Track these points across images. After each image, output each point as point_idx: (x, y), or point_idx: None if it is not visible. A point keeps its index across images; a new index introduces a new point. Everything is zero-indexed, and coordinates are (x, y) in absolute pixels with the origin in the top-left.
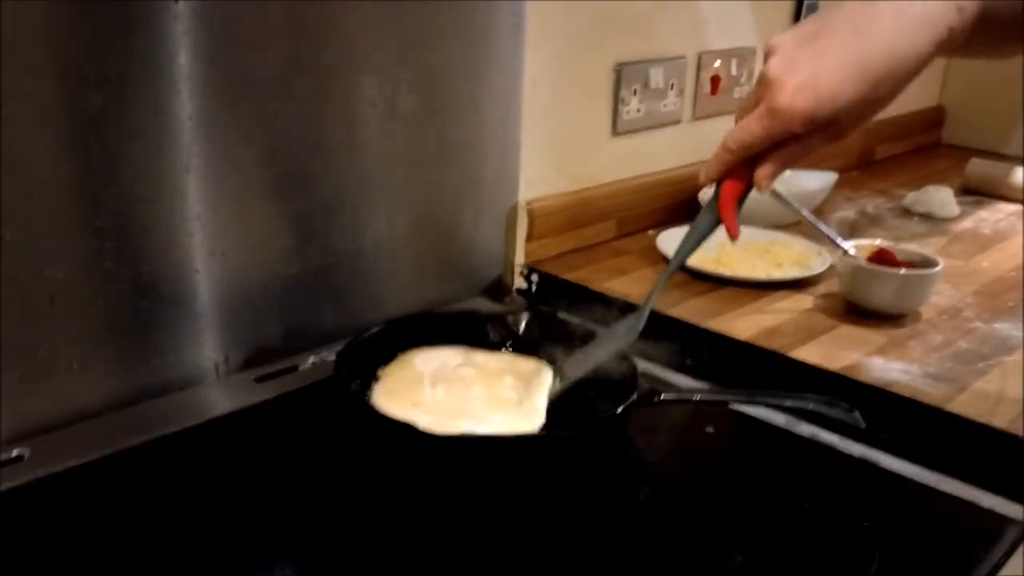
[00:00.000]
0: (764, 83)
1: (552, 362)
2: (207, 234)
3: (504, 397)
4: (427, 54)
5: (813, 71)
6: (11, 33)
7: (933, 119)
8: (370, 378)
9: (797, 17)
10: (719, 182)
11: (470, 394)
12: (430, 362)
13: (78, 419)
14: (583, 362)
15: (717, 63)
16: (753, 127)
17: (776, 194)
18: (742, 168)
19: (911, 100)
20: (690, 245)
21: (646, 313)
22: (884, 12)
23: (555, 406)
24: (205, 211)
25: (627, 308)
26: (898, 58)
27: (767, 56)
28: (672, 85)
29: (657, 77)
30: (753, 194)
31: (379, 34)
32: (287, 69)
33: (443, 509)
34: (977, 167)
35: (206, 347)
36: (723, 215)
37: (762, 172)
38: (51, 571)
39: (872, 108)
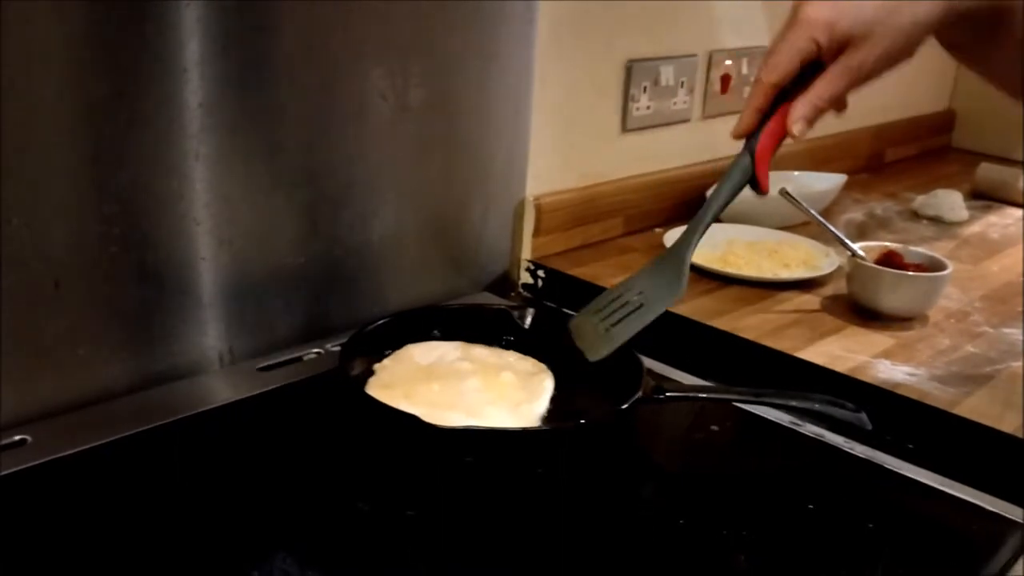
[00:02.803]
0: (793, 9)
1: (556, 365)
2: (214, 223)
3: (500, 392)
4: (438, 47)
5: None
6: (19, 18)
7: (943, 123)
8: (368, 371)
9: None
10: (748, 137)
11: (464, 387)
12: (428, 356)
13: (81, 405)
14: (629, 326)
15: (728, 62)
16: (779, 45)
17: (786, 193)
18: (775, 119)
19: (922, 103)
20: (723, 199)
21: (687, 268)
22: None
23: (558, 401)
24: (213, 200)
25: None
26: None
27: None
28: (682, 83)
29: (668, 75)
30: (760, 197)
31: (390, 27)
32: (297, 59)
33: (445, 501)
34: (987, 171)
35: (210, 336)
36: (758, 166)
37: (794, 114)
38: (52, 555)
39: (892, 43)
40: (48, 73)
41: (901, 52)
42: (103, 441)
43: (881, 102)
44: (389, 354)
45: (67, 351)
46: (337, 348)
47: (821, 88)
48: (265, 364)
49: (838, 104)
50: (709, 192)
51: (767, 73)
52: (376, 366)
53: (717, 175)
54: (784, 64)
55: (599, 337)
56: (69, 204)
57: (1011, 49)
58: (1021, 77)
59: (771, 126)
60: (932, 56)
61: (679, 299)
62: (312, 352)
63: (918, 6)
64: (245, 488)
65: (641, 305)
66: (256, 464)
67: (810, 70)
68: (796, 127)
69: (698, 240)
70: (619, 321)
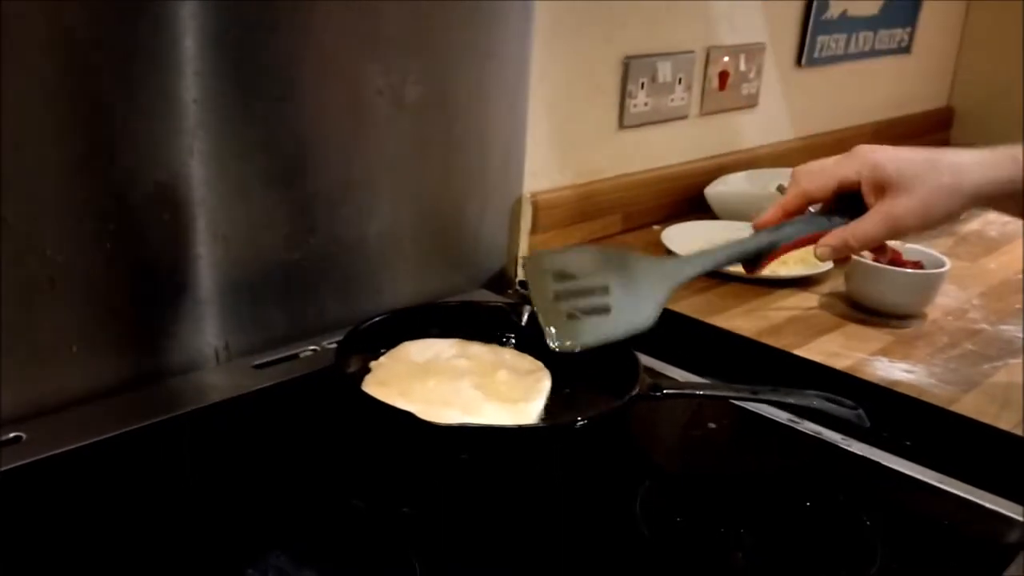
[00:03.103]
0: (882, 181)
1: (553, 362)
2: (210, 218)
3: (497, 390)
4: (435, 44)
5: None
6: (15, 12)
7: (942, 120)
8: (364, 368)
9: (807, 13)
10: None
11: (460, 385)
12: (424, 353)
13: (77, 402)
14: (593, 331)
15: (726, 59)
16: (826, 164)
17: (784, 190)
18: (808, 237)
19: (920, 101)
20: (730, 257)
21: (662, 304)
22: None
23: (555, 399)
24: (209, 195)
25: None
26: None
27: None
28: (680, 79)
29: (665, 71)
30: (761, 190)
31: (387, 24)
32: (294, 56)
33: (441, 499)
34: None
35: (206, 332)
36: (772, 256)
37: (827, 239)
38: (48, 552)
39: (929, 201)
40: (42, 70)
41: (940, 213)
42: (98, 438)
43: (880, 99)
44: (385, 352)
45: (62, 348)
46: (333, 345)
47: (860, 228)
48: (261, 361)
49: (874, 248)
50: (720, 244)
51: (807, 181)
52: (372, 364)
53: (715, 172)
54: (823, 181)
55: (560, 318)
56: (64, 201)
57: None
58: None
59: (799, 239)
60: (931, 53)
61: (643, 331)
62: (308, 349)
63: (964, 173)
64: (240, 485)
65: (606, 310)
66: (251, 461)
67: (848, 204)
68: (821, 250)
69: (683, 281)
70: (584, 313)
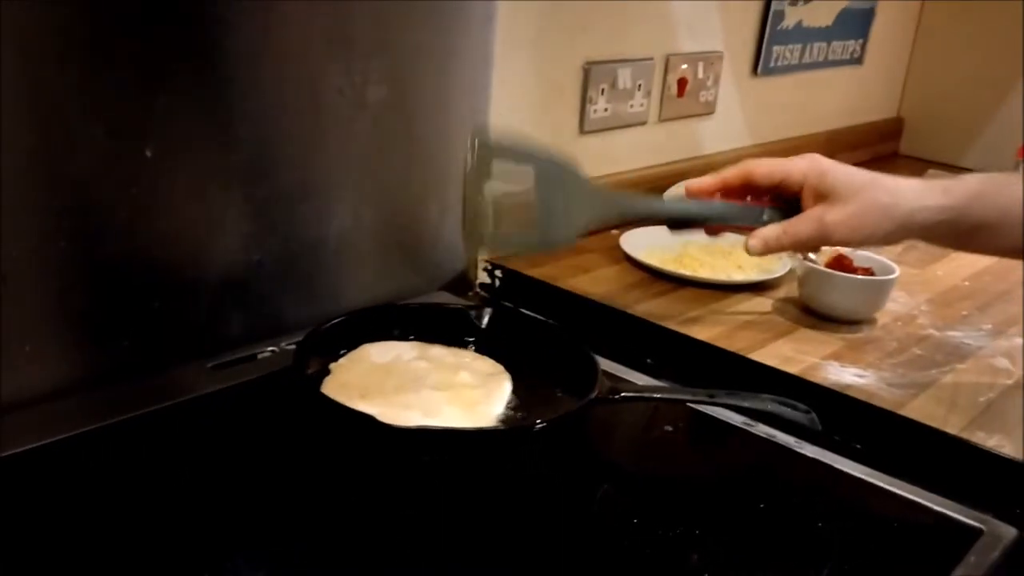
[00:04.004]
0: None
1: (512, 364)
2: (167, 218)
3: (457, 392)
4: (397, 45)
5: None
6: None
7: (892, 130)
8: (324, 370)
9: (763, 24)
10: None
11: (421, 387)
12: (384, 355)
13: (29, 403)
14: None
15: (684, 66)
16: (779, 159)
17: None
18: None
19: (871, 111)
20: (654, 212)
21: (584, 227)
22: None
23: (515, 401)
24: (165, 195)
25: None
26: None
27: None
28: (640, 86)
29: (625, 77)
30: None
31: (348, 23)
32: (254, 55)
33: (398, 502)
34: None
35: (162, 333)
36: (696, 227)
37: (760, 233)
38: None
39: (865, 216)
40: None
41: (869, 228)
42: (51, 440)
43: (833, 108)
44: (345, 353)
45: (15, 348)
46: (292, 347)
47: (794, 227)
48: (218, 362)
49: (800, 248)
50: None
51: (754, 164)
52: (332, 365)
53: (674, 177)
54: (769, 168)
55: (485, 222)
56: (17, 198)
57: (1004, 228)
58: None
59: (734, 225)
60: (882, 65)
61: (558, 248)
62: (266, 351)
63: (900, 197)
64: (198, 488)
65: (532, 225)
66: (209, 464)
67: (783, 206)
68: (755, 242)
69: (614, 219)
70: (508, 222)
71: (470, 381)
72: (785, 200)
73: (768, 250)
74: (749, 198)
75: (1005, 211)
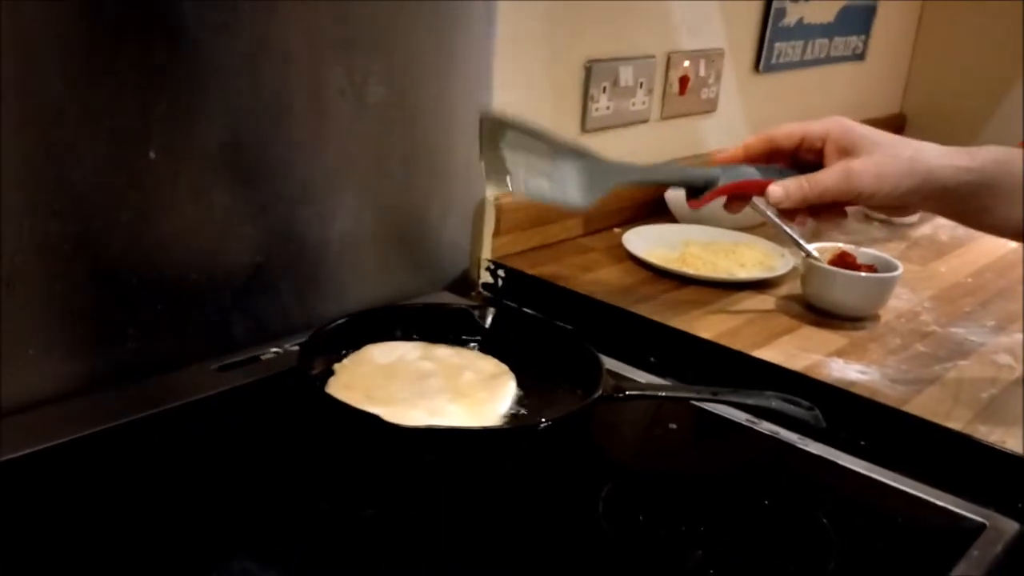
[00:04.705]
0: (847, 142)
1: (516, 363)
2: (170, 221)
3: (462, 392)
4: (398, 46)
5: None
6: None
7: (894, 126)
8: (327, 371)
9: (765, 20)
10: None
11: (425, 387)
12: (388, 355)
13: (34, 405)
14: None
15: (686, 63)
16: (799, 122)
17: None
18: (759, 182)
19: (873, 107)
20: (676, 178)
21: (599, 192)
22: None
23: (519, 400)
24: (167, 198)
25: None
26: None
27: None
28: (641, 84)
29: (627, 75)
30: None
31: (350, 25)
32: (256, 57)
33: (404, 500)
34: None
35: (167, 335)
36: (716, 191)
37: (783, 182)
38: (7, 556)
39: (888, 168)
40: None
41: (893, 180)
42: (55, 443)
43: (835, 104)
44: (348, 354)
45: (20, 351)
46: (296, 348)
47: (817, 176)
48: (223, 363)
49: (824, 199)
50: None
51: (775, 129)
52: (336, 366)
53: None
54: (790, 128)
55: (501, 164)
56: (20, 202)
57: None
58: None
59: (751, 181)
60: (884, 60)
61: (574, 210)
62: (270, 352)
63: (923, 153)
64: (204, 489)
65: (547, 176)
66: (215, 464)
67: (804, 167)
68: (777, 190)
69: (627, 183)
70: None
71: (474, 381)
72: (808, 163)
73: (789, 199)
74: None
75: (1017, 187)
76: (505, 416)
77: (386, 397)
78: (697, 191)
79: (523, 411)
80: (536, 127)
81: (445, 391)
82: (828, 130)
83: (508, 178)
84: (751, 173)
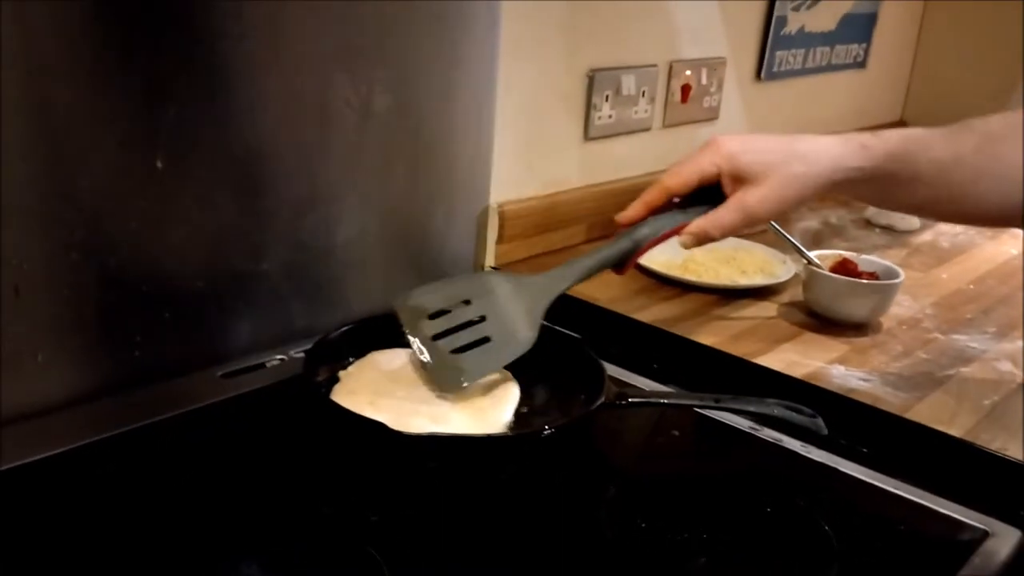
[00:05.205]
0: (711, 137)
1: (519, 370)
2: (177, 228)
3: (465, 399)
4: (402, 55)
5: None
6: None
7: None
8: (333, 378)
9: (766, 29)
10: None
11: (429, 394)
12: (392, 362)
13: (42, 412)
14: (480, 362)
15: (688, 72)
16: (687, 160)
17: None
18: (669, 232)
19: (874, 114)
20: (591, 268)
21: (539, 323)
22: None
23: (522, 407)
24: (174, 205)
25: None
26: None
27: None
28: (644, 92)
29: (629, 84)
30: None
31: (354, 33)
32: (261, 65)
33: (407, 507)
34: None
35: (172, 342)
36: (634, 255)
37: (690, 228)
38: (14, 561)
39: (783, 190)
40: (6, 76)
41: (792, 200)
42: (63, 449)
43: (836, 112)
44: (353, 360)
45: (28, 358)
46: (301, 355)
47: (716, 217)
48: (228, 370)
49: (731, 235)
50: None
51: (668, 177)
52: (341, 373)
53: None
54: (685, 176)
55: (441, 363)
56: (29, 209)
57: (917, 186)
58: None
59: (660, 236)
60: (885, 68)
61: (525, 352)
62: (275, 359)
63: (816, 162)
64: (209, 494)
65: (486, 339)
66: (219, 470)
67: (708, 196)
68: (685, 238)
69: (555, 296)
70: (463, 348)
71: (478, 387)
72: (711, 190)
73: (700, 243)
74: (675, 200)
75: (919, 173)
76: (509, 423)
77: (390, 403)
78: (619, 263)
79: (526, 418)
80: (446, 286)
81: (448, 398)
82: (717, 165)
83: (453, 383)
84: (656, 228)
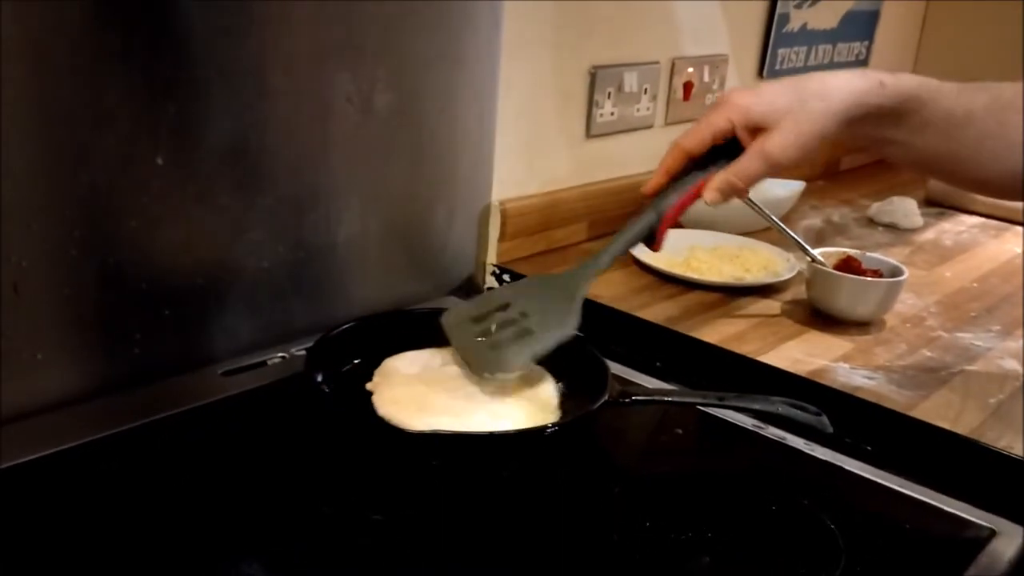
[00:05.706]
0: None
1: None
2: (177, 226)
3: (506, 390)
4: (404, 52)
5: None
6: None
7: None
8: (358, 391)
9: (768, 26)
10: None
11: (470, 391)
12: (411, 366)
13: (41, 410)
14: (522, 351)
15: (690, 69)
16: (701, 119)
17: (749, 200)
18: (688, 192)
19: None
20: (622, 246)
21: (579, 306)
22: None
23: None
24: (175, 202)
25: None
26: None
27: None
28: (646, 90)
29: (631, 81)
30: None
31: (356, 30)
32: (263, 63)
33: (410, 506)
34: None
35: (172, 340)
36: (662, 226)
37: (712, 183)
38: (14, 560)
39: (800, 131)
40: (7, 73)
41: (813, 139)
42: (63, 447)
43: None
44: (356, 360)
45: (26, 355)
46: (302, 353)
47: (738, 166)
48: (228, 368)
49: (755, 182)
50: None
51: (683, 139)
52: (369, 385)
53: None
54: (699, 134)
55: (484, 353)
56: (29, 206)
57: (926, 136)
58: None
59: (683, 198)
60: (887, 66)
61: (570, 336)
62: (276, 357)
63: (831, 97)
64: (209, 493)
65: (529, 331)
66: (220, 469)
67: (725, 152)
68: (710, 195)
69: (592, 278)
70: (506, 342)
71: (520, 382)
72: (728, 147)
73: (725, 196)
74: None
75: (930, 120)
76: (558, 402)
77: (441, 406)
78: (650, 237)
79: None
80: (488, 297)
81: (493, 392)
82: (730, 119)
83: (498, 371)
84: (679, 192)
